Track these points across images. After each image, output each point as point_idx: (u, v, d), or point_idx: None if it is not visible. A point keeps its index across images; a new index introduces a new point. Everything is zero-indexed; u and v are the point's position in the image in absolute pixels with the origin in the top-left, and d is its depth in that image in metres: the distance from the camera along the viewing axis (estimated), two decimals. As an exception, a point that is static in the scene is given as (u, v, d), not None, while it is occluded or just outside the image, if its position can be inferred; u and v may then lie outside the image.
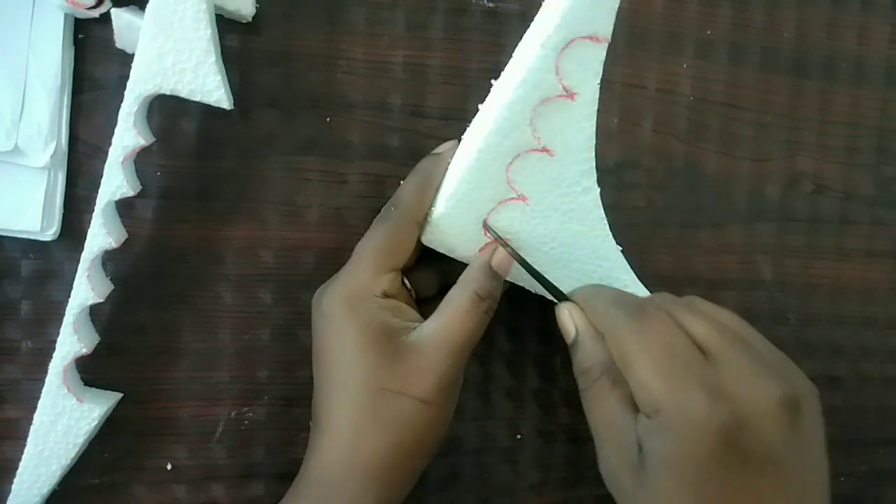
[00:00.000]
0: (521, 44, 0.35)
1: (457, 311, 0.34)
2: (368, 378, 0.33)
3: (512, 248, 0.35)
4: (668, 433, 0.29)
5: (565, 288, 0.37)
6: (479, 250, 0.36)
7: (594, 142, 0.34)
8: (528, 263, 0.35)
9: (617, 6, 0.32)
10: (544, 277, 0.35)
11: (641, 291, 0.39)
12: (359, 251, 0.35)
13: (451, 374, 0.34)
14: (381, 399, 0.33)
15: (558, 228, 0.36)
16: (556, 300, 0.36)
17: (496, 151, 0.34)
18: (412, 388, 0.33)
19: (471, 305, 0.34)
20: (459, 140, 0.37)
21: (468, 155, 0.34)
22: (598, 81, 0.33)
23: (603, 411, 0.32)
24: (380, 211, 0.37)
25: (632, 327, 0.32)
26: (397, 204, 0.36)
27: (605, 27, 0.32)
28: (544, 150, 0.34)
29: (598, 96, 0.33)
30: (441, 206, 0.35)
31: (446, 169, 0.36)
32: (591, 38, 0.32)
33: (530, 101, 0.33)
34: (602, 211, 0.36)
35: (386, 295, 0.35)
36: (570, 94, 0.33)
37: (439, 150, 0.37)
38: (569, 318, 0.35)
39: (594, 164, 0.35)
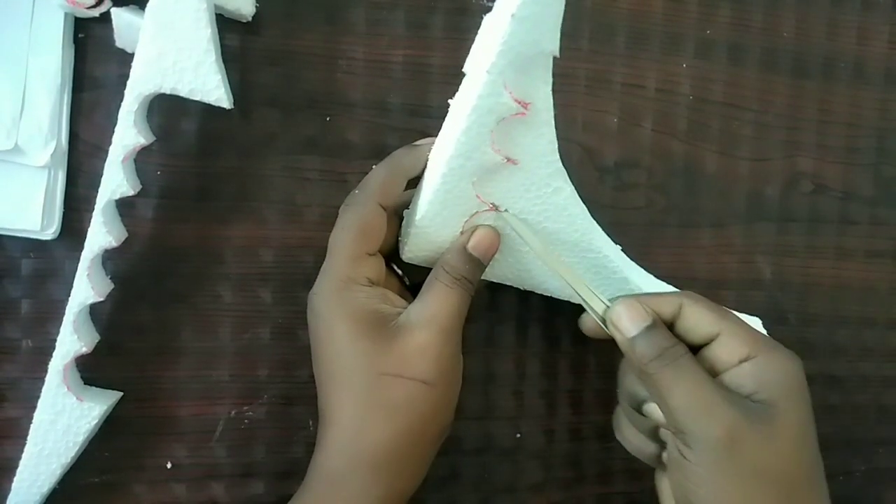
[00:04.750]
0: (468, 62, 0.34)
1: (436, 291, 0.34)
2: (365, 365, 0.33)
3: (553, 259, 0.36)
4: (781, 366, 0.35)
5: (552, 286, 0.38)
6: (460, 233, 0.36)
7: (556, 145, 0.34)
8: (568, 271, 0.36)
9: (560, 21, 0.31)
10: (583, 283, 0.36)
11: (639, 273, 0.39)
12: (332, 242, 0.35)
13: (447, 352, 0.34)
14: (381, 384, 0.33)
15: (535, 230, 0.36)
16: (585, 301, 0.36)
17: (460, 173, 0.34)
18: (410, 369, 0.33)
19: (449, 282, 0.34)
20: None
21: (434, 179, 0.34)
22: (550, 88, 0.33)
23: (701, 378, 0.33)
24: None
25: (714, 303, 0.36)
26: (362, 187, 0.36)
27: (552, 43, 0.31)
28: (508, 160, 0.34)
29: (552, 102, 0.33)
30: (416, 225, 0.35)
31: (418, 160, 0.36)
32: (536, 54, 0.32)
33: (486, 125, 0.33)
34: (580, 207, 0.36)
35: (371, 282, 0.35)
36: (524, 106, 0.33)
37: (418, 143, 0.37)
38: (640, 309, 0.35)
39: (560, 164, 0.35)
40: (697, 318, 0.35)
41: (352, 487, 0.33)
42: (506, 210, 0.35)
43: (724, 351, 0.35)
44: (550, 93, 0.33)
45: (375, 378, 0.33)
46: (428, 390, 0.33)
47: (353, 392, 0.33)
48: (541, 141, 0.34)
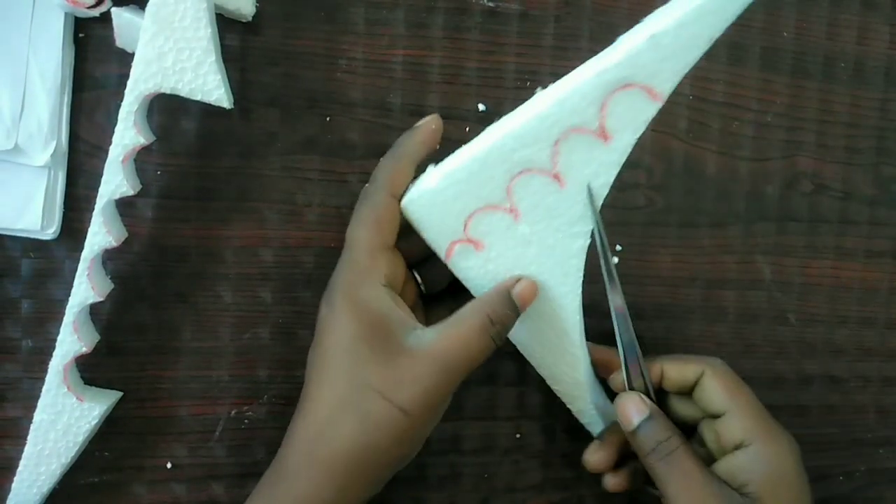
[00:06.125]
0: (580, 67, 0.33)
1: (464, 330, 0.33)
2: (355, 370, 0.32)
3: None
4: (774, 457, 0.36)
5: (555, 374, 0.38)
6: (452, 242, 0.35)
7: (607, 192, 0.33)
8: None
9: (685, 71, 0.31)
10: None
11: (590, 374, 0.38)
12: (349, 237, 0.35)
13: (440, 391, 0.33)
14: (363, 395, 0.32)
15: (533, 261, 0.35)
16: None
17: (509, 155, 0.33)
18: (396, 393, 0.32)
19: (481, 327, 0.33)
20: (443, 118, 0.36)
21: (482, 145, 0.33)
22: (637, 137, 0.32)
23: (692, 471, 0.35)
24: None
25: (734, 377, 0.38)
26: (373, 181, 0.35)
27: (666, 84, 0.31)
28: (556, 176, 0.33)
29: (630, 151, 0.32)
30: (434, 181, 0.34)
31: (421, 141, 0.35)
32: (648, 89, 0.31)
33: (561, 123, 0.32)
34: (582, 264, 0.35)
35: (387, 279, 0.34)
36: (604, 136, 0.32)
37: (417, 124, 0.36)
38: (639, 401, 0.37)
39: (595, 215, 0.34)
40: (710, 393, 0.38)
41: (302, 487, 0.33)
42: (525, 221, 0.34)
43: (726, 432, 0.37)
44: (634, 142, 0.32)
45: (360, 387, 0.32)
46: (405, 418, 0.32)
47: (333, 391, 0.33)
48: (596, 181, 0.33)
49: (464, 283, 0.36)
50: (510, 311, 0.34)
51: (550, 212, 0.34)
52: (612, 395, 0.39)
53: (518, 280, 0.35)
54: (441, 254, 0.35)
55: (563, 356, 0.37)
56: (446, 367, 0.32)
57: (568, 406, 0.39)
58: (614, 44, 0.33)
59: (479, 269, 0.35)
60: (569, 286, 0.35)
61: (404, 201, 0.35)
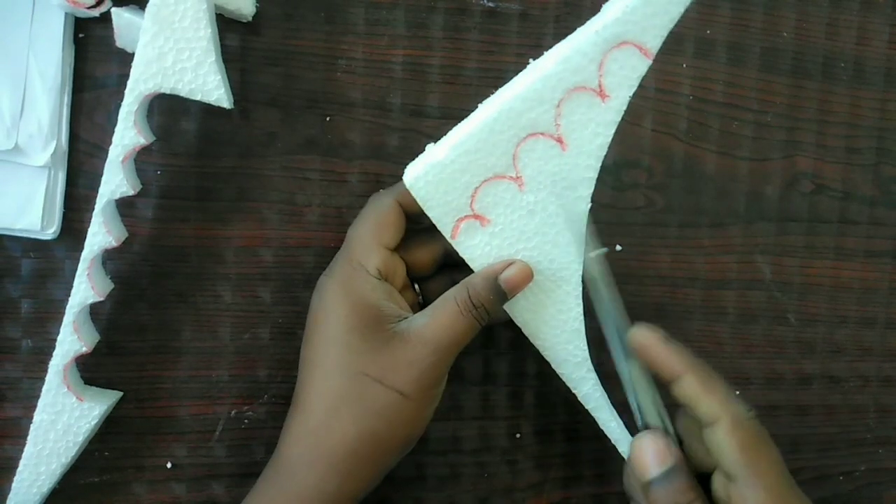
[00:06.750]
0: (576, 31, 0.34)
1: (448, 311, 0.34)
2: (349, 360, 0.33)
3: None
4: None
5: (555, 357, 0.37)
6: (459, 219, 0.35)
7: (605, 152, 0.34)
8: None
9: (671, 25, 0.33)
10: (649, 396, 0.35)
11: (581, 337, 0.37)
12: (348, 235, 0.36)
13: (434, 371, 0.33)
14: (359, 384, 0.33)
15: (537, 231, 0.35)
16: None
17: (516, 119, 0.33)
18: (392, 377, 0.33)
19: (464, 308, 0.33)
20: None
21: (488, 113, 0.34)
22: (631, 94, 0.33)
23: None
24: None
25: (758, 435, 0.33)
26: (387, 188, 0.36)
27: (654, 41, 0.33)
28: (559, 139, 0.34)
29: (625, 108, 0.34)
30: (441, 153, 0.34)
31: None
32: (639, 46, 0.33)
33: (565, 81, 0.33)
34: (584, 231, 0.35)
35: (380, 273, 0.34)
36: (602, 94, 0.33)
37: None
38: (665, 449, 0.33)
39: (595, 176, 0.34)
40: (724, 448, 0.32)
41: (304, 480, 0.33)
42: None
43: (740, 501, 0.32)
44: (629, 99, 0.33)
45: (355, 376, 0.33)
46: (403, 402, 0.33)
47: (330, 383, 0.33)
48: (596, 140, 0.34)
49: (469, 263, 0.36)
50: (493, 296, 0.34)
51: (553, 176, 0.34)
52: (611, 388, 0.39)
53: (510, 264, 0.34)
54: (447, 232, 0.35)
55: (564, 332, 0.37)
56: (436, 349, 0.33)
57: (573, 391, 0.38)
58: (606, 6, 0.34)
59: (483, 246, 0.35)
60: (571, 255, 0.35)
61: (410, 179, 0.34)
